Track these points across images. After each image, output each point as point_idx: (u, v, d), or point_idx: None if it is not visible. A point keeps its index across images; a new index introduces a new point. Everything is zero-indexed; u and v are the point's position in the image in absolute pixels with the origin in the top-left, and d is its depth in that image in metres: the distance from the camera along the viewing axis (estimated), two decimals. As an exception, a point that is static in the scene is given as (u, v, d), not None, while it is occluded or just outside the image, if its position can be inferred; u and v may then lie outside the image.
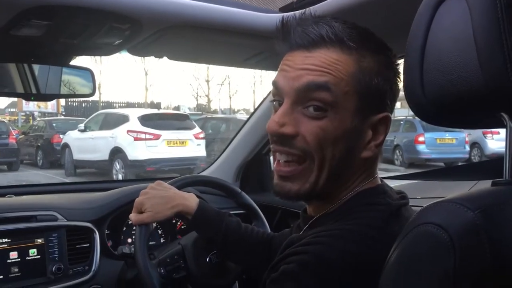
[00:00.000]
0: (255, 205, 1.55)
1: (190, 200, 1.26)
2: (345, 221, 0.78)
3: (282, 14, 1.16)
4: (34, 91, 1.29)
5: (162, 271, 1.34)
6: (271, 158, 1.92)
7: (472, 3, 0.58)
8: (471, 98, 0.59)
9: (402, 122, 13.35)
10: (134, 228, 1.71)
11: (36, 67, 1.29)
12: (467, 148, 12.74)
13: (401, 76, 0.84)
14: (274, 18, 1.15)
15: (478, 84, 0.58)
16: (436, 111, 0.64)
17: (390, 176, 0.95)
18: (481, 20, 0.57)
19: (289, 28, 0.82)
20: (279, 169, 0.84)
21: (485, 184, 0.70)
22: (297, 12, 0.85)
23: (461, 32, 0.59)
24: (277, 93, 0.83)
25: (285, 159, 0.83)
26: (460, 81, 0.59)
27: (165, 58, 1.37)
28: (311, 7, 1.14)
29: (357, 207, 0.81)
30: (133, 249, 1.34)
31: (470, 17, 0.58)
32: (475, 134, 12.71)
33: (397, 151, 12.93)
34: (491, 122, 0.67)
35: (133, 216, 1.25)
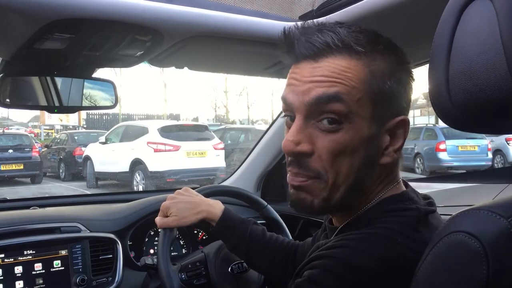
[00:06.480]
0: (280, 219, 1.54)
1: (215, 207, 1.26)
2: (371, 225, 0.76)
3: (297, 22, 1.15)
4: (57, 103, 1.31)
5: (183, 276, 1.35)
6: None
7: (498, 5, 0.56)
8: (499, 103, 0.57)
9: (422, 130, 13.19)
10: (157, 238, 1.72)
11: (58, 80, 1.30)
12: (490, 155, 12.51)
13: (414, 76, 0.81)
14: (294, 26, 1.14)
15: (507, 89, 0.56)
16: (463, 116, 0.62)
17: (416, 179, 0.91)
18: (509, 22, 0.55)
19: (292, 39, 0.78)
20: (291, 178, 0.81)
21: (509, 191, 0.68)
22: (300, 22, 0.82)
23: (487, 35, 0.57)
24: (288, 108, 0.80)
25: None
26: (487, 86, 0.57)
27: (185, 68, 1.38)
28: (331, 15, 1.13)
29: (383, 213, 0.78)
30: (155, 260, 1.34)
31: (497, 20, 0.56)
32: (498, 141, 12.49)
33: (418, 159, 12.74)
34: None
35: (158, 220, 1.26)
